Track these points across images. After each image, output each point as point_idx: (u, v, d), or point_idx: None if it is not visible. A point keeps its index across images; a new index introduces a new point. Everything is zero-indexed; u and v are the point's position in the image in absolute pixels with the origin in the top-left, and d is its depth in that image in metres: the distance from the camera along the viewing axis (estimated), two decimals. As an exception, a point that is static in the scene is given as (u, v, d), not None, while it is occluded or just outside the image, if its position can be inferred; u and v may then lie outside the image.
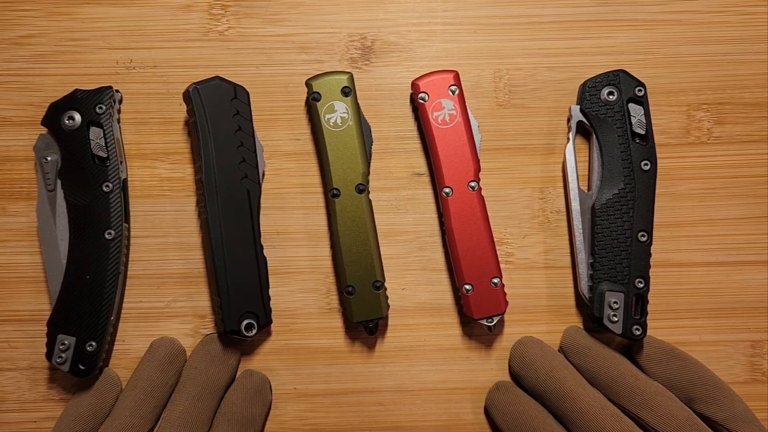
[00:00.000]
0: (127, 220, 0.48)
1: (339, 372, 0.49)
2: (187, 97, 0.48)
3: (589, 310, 0.48)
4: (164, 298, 0.49)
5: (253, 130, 0.48)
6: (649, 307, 0.48)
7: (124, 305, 0.49)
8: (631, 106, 0.49)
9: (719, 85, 0.51)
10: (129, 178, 0.50)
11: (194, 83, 0.47)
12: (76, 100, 0.47)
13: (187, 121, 0.50)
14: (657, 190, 0.48)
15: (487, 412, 0.48)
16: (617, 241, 0.48)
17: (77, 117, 0.47)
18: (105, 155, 0.47)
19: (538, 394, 0.46)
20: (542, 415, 0.45)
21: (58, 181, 0.47)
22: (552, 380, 0.45)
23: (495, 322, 0.48)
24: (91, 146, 0.47)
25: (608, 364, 0.46)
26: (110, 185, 0.47)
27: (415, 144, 0.51)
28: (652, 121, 0.49)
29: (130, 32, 0.51)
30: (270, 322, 0.48)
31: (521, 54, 0.51)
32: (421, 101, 0.49)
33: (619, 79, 0.49)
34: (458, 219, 0.48)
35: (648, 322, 0.48)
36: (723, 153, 0.51)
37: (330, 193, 0.48)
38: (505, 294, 0.48)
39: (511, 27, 0.51)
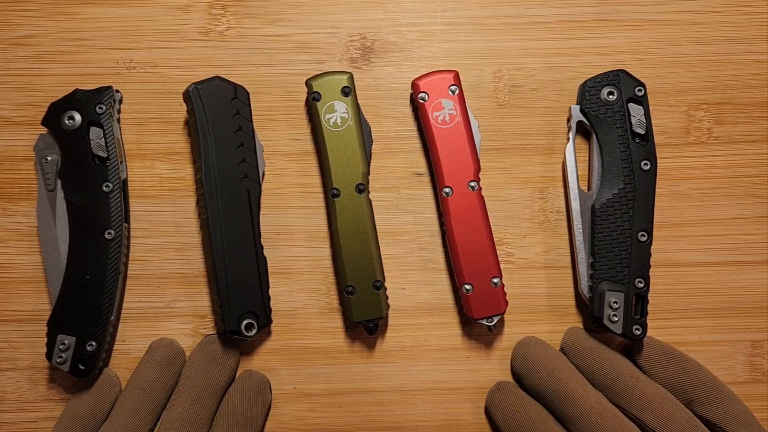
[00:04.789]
0: (127, 220, 0.48)
1: (339, 372, 0.49)
2: (187, 97, 0.48)
3: (589, 309, 0.48)
4: (164, 298, 0.49)
5: (253, 130, 0.48)
6: (649, 307, 0.48)
7: (124, 305, 0.49)
8: (631, 105, 0.49)
9: (719, 84, 0.51)
10: (129, 178, 0.50)
11: (194, 83, 0.47)
12: (76, 100, 0.47)
13: (187, 121, 0.50)
14: (657, 190, 0.48)
15: (487, 413, 0.48)
16: (617, 240, 0.48)
17: (77, 117, 0.47)
18: (105, 155, 0.47)
19: (539, 394, 0.46)
20: (542, 415, 0.45)
21: (58, 181, 0.47)
22: (553, 380, 0.45)
23: (495, 322, 0.48)
24: (91, 146, 0.47)
25: (609, 365, 0.46)
26: (110, 185, 0.47)
27: (415, 144, 0.51)
28: (652, 121, 0.49)
29: (130, 32, 0.51)
30: (270, 322, 0.48)
31: (521, 54, 0.51)
32: (421, 101, 0.49)
33: (619, 78, 0.49)
34: (458, 219, 0.48)
35: (648, 322, 0.48)
36: (723, 153, 0.51)
37: (330, 193, 0.48)
38: (505, 294, 0.48)
39: (511, 27, 0.51)
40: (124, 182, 0.48)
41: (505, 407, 0.46)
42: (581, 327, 0.49)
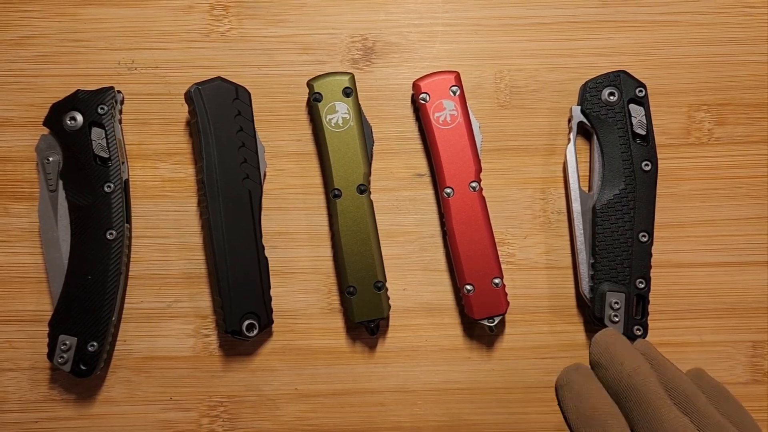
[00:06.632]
0: (128, 220, 0.48)
1: (340, 372, 0.49)
2: (188, 97, 0.48)
3: (590, 310, 0.48)
4: (166, 299, 0.49)
5: (254, 131, 0.48)
6: (650, 308, 0.48)
7: (125, 306, 0.49)
8: (632, 106, 0.49)
9: (719, 85, 0.51)
10: (130, 179, 0.50)
11: (196, 84, 0.47)
12: (77, 100, 0.47)
13: (189, 122, 0.50)
14: (658, 191, 0.48)
15: (556, 391, 0.46)
16: (618, 241, 0.48)
17: (79, 117, 0.47)
18: (107, 156, 0.47)
19: (616, 389, 0.44)
20: (614, 408, 0.43)
21: (60, 182, 0.47)
22: (639, 376, 0.43)
23: (496, 322, 0.48)
24: (93, 147, 0.47)
25: (685, 382, 0.44)
26: (112, 185, 0.47)
27: (417, 144, 0.51)
28: (653, 122, 0.49)
29: (132, 33, 0.51)
30: (271, 322, 0.48)
31: (522, 55, 0.51)
32: (422, 102, 0.49)
33: (620, 79, 0.49)
34: (459, 219, 0.48)
35: (649, 322, 0.48)
36: (723, 154, 0.51)
37: (331, 194, 0.48)
38: (506, 294, 0.48)
39: (512, 28, 0.51)
40: (126, 183, 0.48)
41: (581, 395, 0.43)
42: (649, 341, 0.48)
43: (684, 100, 0.51)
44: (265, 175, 0.49)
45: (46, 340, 0.46)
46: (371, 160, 0.49)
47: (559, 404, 0.44)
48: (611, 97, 0.49)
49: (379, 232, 0.48)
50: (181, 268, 0.49)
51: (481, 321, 0.48)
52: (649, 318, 0.48)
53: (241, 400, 0.49)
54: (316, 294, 0.50)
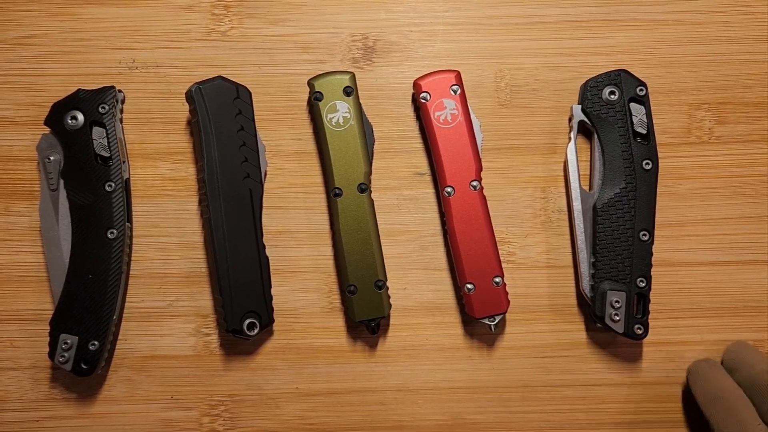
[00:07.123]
0: (129, 219, 0.48)
1: (341, 371, 0.49)
2: (189, 96, 0.48)
3: (591, 309, 0.48)
4: (166, 298, 0.49)
5: (255, 130, 0.48)
6: (651, 306, 0.48)
7: (126, 305, 0.49)
8: (633, 105, 0.49)
9: (720, 84, 0.51)
10: (131, 178, 0.50)
11: (197, 83, 0.48)
12: (78, 100, 0.48)
13: (190, 121, 0.50)
14: (658, 190, 0.48)
15: (687, 382, 0.47)
16: (619, 240, 0.48)
17: (80, 117, 0.47)
18: (108, 155, 0.47)
19: (748, 387, 0.45)
20: (745, 400, 0.44)
21: (61, 181, 0.48)
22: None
23: (497, 321, 0.48)
24: (94, 146, 0.47)
25: None
26: (113, 185, 0.47)
27: (417, 143, 0.51)
28: (654, 121, 0.49)
29: (133, 32, 0.51)
30: (272, 321, 0.48)
31: (523, 54, 0.51)
32: (422, 101, 0.49)
33: (621, 78, 0.49)
34: (460, 218, 0.48)
35: (649, 321, 0.48)
36: (724, 152, 0.51)
37: (332, 193, 0.48)
38: (506, 293, 0.48)
39: (512, 27, 0.51)
40: (127, 182, 0.48)
41: (709, 378, 0.45)
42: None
43: (684, 98, 0.51)
44: (265, 174, 0.49)
45: (47, 339, 0.46)
46: (372, 159, 0.49)
47: (689, 389, 0.46)
48: (612, 96, 0.49)
49: (379, 231, 0.48)
50: (181, 267, 0.50)
51: (481, 320, 0.48)
52: (649, 317, 0.48)
53: (242, 399, 0.49)
54: (316, 293, 0.50)
